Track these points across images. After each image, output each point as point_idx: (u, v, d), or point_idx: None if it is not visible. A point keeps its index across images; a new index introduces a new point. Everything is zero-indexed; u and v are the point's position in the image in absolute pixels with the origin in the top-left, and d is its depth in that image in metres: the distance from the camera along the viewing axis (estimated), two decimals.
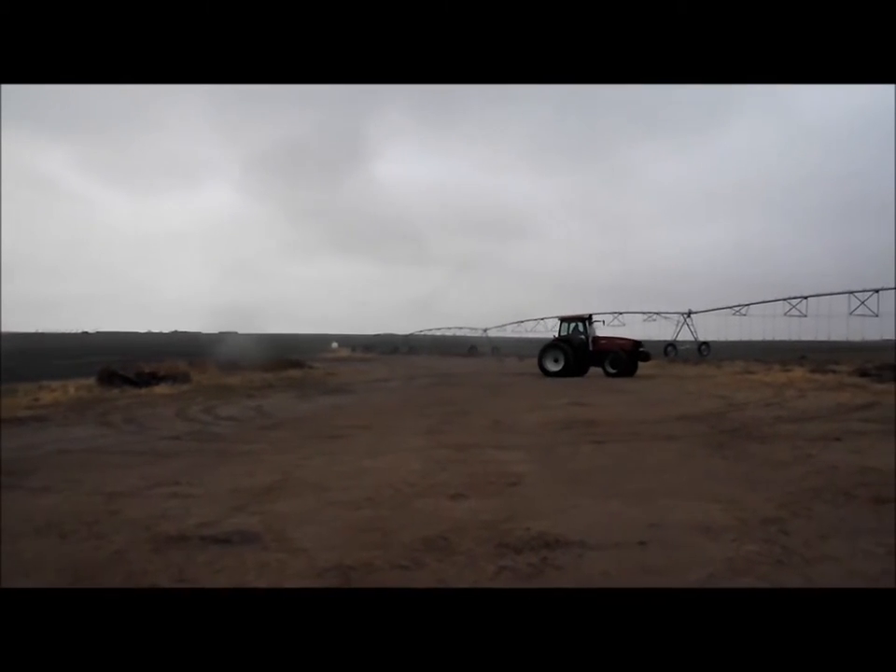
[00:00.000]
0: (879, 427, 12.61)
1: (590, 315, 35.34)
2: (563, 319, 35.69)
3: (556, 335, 35.71)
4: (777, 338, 53.65)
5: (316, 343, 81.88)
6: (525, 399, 19.92)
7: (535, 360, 35.20)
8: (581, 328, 34.53)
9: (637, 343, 34.76)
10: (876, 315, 44.80)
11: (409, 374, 35.61)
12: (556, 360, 33.47)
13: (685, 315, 56.08)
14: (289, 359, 40.72)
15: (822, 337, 49.92)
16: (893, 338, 46.80)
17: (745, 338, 54.49)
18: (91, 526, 6.33)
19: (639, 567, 5.09)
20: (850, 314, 46.06)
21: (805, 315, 48.94)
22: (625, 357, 32.85)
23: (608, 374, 32.47)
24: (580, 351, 33.56)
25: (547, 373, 33.17)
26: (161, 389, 21.89)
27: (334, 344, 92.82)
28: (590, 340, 34.06)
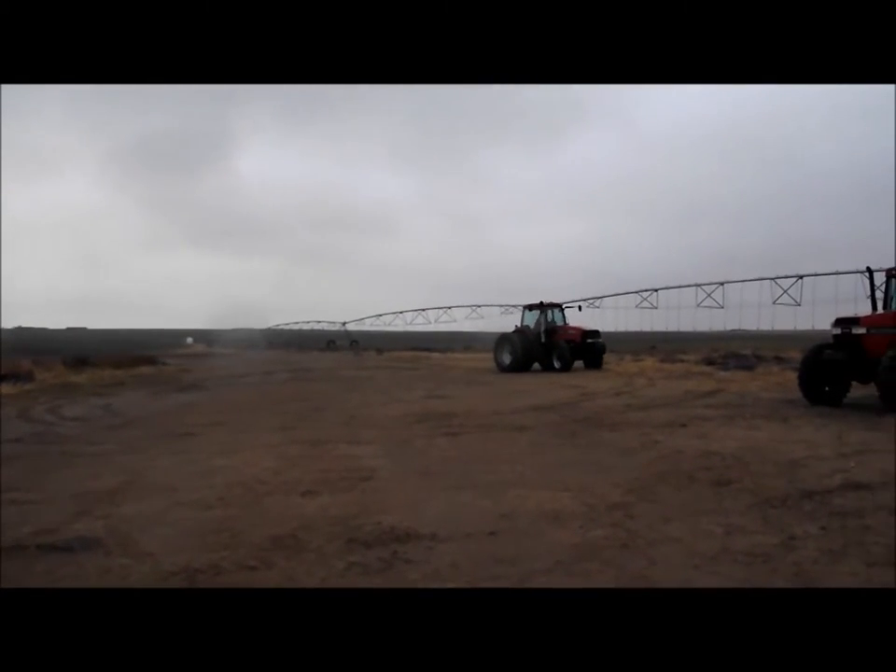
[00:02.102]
0: (722, 413, 13.37)
1: (541, 302, 31.89)
2: (526, 307, 32.73)
3: (518, 325, 32.49)
4: (630, 329, 55.48)
5: (171, 339, 79.25)
6: (382, 394, 19.93)
7: (394, 354, 34.30)
8: (541, 317, 31.33)
9: (587, 333, 30.80)
10: (722, 307, 47.25)
11: (265, 370, 34.99)
12: (511, 353, 30.38)
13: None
14: (142, 355, 39.59)
15: (672, 328, 52.07)
16: (737, 328, 49.53)
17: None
18: None
19: (489, 558, 5.16)
20: (698, 305, 48.38)
21: (656, 307, 51.02)
22: (568, 350, 29.37)
23: (556, 369, 29.07)
24: (535, 343, 30.46)
25: (501, 368, 30.33)
26: (1, 389, 20.68)
27: (189, 340, 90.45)
28: (543, 331, 30.74)
